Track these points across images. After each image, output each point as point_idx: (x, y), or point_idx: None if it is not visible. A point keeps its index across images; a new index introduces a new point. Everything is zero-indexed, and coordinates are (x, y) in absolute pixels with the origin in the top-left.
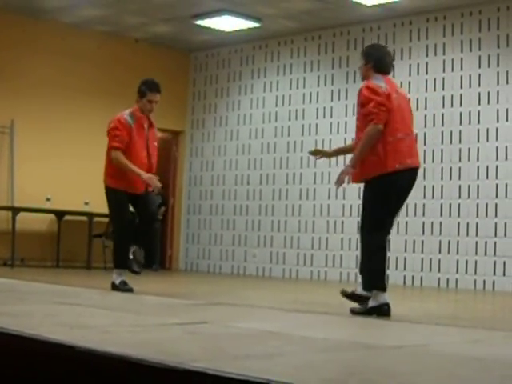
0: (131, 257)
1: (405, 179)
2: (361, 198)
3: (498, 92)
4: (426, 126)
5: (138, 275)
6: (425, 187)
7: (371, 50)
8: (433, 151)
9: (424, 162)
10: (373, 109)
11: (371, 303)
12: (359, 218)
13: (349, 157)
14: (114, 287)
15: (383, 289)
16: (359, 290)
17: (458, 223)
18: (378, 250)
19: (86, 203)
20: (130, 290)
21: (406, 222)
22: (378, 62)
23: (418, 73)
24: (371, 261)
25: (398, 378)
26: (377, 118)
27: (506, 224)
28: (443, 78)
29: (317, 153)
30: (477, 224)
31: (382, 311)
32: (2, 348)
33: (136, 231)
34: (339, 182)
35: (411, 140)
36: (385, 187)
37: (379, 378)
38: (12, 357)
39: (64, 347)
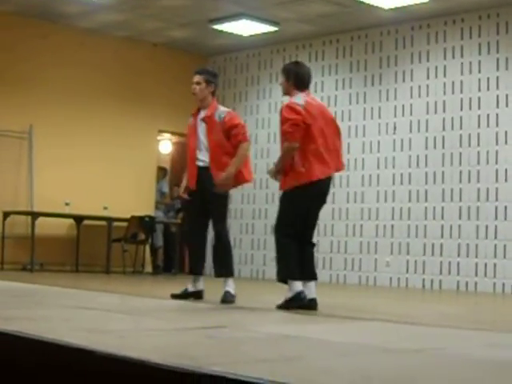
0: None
1: (319, 188)
2: (384, 201)
3: None
4: (444, 129)
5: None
6: (443, 190)
7: (292, 67)
8: (451, 154)
9: (442, 165)
10: (288, 128)
11: (287, 294)
12: (378, 222)
13: None
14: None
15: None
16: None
17: (477, 226)
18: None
19: (105, 208)
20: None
21: (425, 226)
22: (298, 79)
23: (436, 76)
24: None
25: (418, 383)
26: (291, 137)
27: None
28: (461, 81)
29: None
30: (496, 227)
31: (300, 299)
32: (21, 352)
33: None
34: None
35: (329, 152)
36: (301, 195)
37: (399, 383)
38: (31, 361)
39: (83, 352)
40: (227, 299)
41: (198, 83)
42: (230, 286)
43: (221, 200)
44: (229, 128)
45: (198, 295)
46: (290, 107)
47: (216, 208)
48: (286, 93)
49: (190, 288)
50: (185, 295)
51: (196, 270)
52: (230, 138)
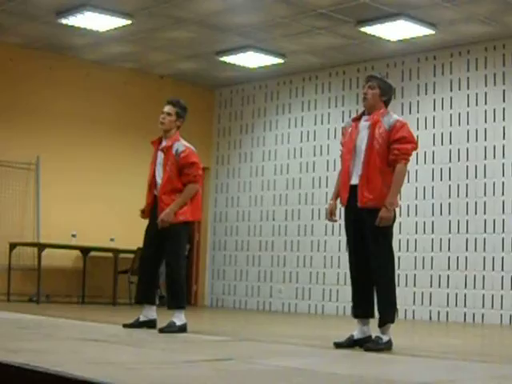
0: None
1: None
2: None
3: None
4: (450, 160)
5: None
6: (450, 222)
7: (389, 84)
8: (458, 186)
9: (449, 196)
10: (410, 151)
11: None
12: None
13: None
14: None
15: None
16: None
17: (484, 258)
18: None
19: (112, 239)
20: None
21: (432, 257)
22: (391, 98)
23: (442, 107)
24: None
25: None
26: (407, 159)
27: None
28: (467, 113)
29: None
30: (502, 258)
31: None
32: None
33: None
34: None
35: None
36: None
37: None
38: None
39: None
40: (166, 329)
41: (169, 114)
42: (178, 317)
43: (175, 235)
44: (183, 165)
45: (150, 324)
46: (409, 128)
47: (168, 240)
48: (371, 104)
49: (142, 317)
50: (137, 324)
51: (149, 299)
52: (181, 175)
